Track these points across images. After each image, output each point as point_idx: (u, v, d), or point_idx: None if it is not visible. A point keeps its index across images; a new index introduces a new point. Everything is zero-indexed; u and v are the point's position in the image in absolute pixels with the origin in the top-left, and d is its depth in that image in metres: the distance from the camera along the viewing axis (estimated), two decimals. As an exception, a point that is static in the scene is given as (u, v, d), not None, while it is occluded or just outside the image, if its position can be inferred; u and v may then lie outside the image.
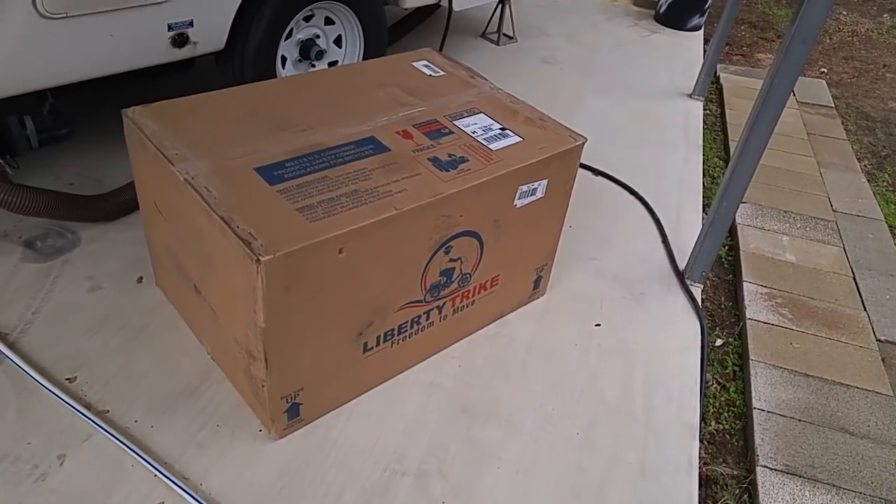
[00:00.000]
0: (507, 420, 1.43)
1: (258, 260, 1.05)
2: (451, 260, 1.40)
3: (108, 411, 1.34)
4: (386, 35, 2.33)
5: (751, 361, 1.79)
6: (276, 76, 2.05)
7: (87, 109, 2.19)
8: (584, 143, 1.52)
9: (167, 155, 1.26)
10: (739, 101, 3.23)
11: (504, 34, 3.28)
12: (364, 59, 2.30)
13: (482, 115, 1.54)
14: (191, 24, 1.76)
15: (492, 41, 3.28)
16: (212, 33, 1.83)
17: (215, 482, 1.22)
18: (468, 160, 1.37)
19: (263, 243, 1.08)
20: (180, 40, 1.77)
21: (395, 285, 1.32)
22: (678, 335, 1.75)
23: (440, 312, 1.48)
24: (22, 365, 1.38)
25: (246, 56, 1.94)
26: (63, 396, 1.33)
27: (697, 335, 1.76)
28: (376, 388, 1.46)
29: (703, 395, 1.65)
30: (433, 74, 1.69)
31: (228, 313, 1.27)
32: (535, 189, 1.48)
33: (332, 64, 2.27)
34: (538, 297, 1.78)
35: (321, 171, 1.28)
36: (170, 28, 1.73)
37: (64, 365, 1.42)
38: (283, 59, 2.10)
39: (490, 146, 1.43)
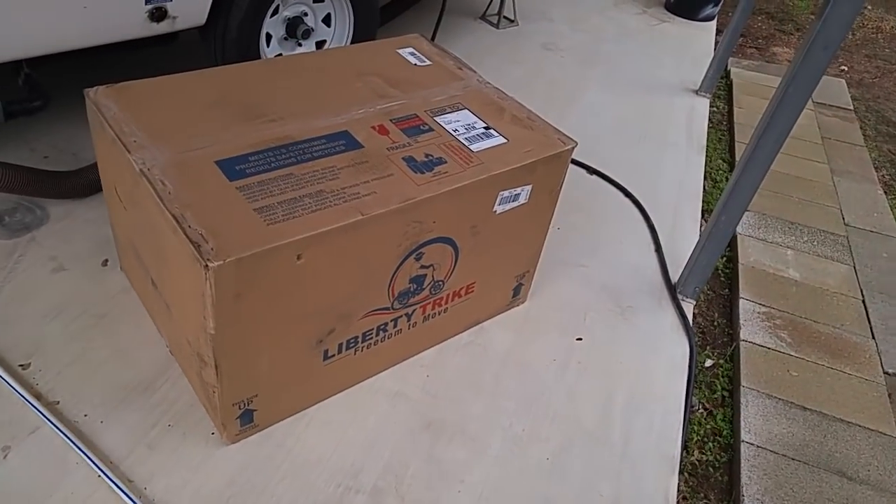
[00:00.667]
0: (473, 439, 1.38)
1: (206, 266, 0.99)
2: (423, 267, 1.34)
3: (58, 402, 1.29)
4: (378, 15, 2.23)
5: (742, 388, 1.71)
6: (259, 54, 1.97)
7: (65, 80, 2.11)
8: (573, 148, 1.44)
9: (125, 142, 1.19)
10: (750, 98, 3.12)
11: (505, 17, 3.17)
12: (354, 39, 2.20)
13: (466, 111, 1.46)
14: (170, -3, 1.67)
15: (492, 24, 3.17)
16: (192, 8, 1.75)
17: (160, 487, 1.18)
18: (446, 162, 1.30)
19: (214, 247, 1.02)
20: (158, 14, 1.68)
21: (359, 292, 1.26)
22: (665, 355, 1.68)
23: (409, 320, 1.42)
24: (-27, 349, 1.34)
25: (228, 33, 1.85)
26: (14, 384, 1.28)
27: (686, 356, 1.69)
28: (339, 394, 1.41)
29: (688, 421, 1.59)
30: (418, 64, 1.61)
31: (181, 313, 1.21)
32: (518, 195, 1.40)
33: (320, 44, 2.18)
34: (518, 305, 1.72)
35: (286, 167, 1.21)
36: (147, 1, 1.64)
37: (19, 350, 1.37)
38: (269, 37, 2.01)
39: (471, 147, 1.35)
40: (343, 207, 1.15)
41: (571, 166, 2.30)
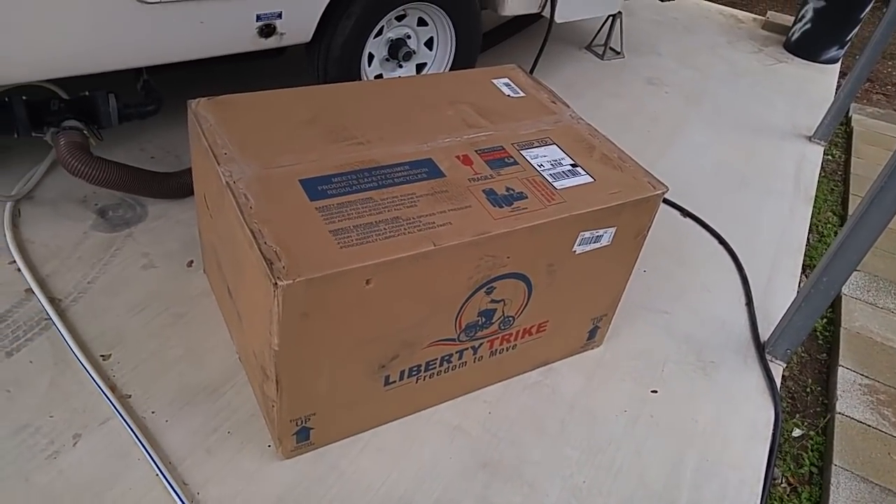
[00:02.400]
0: (530, 485, 1.31)
1: (276, 283, 1.00)
2: (493, 301, 1.30)
3: (130, 396, 1.34)
4: (479, 41, 2.23)
5: (834, 466, 1.54)
6: (360, 73, 2.01)
7: (179, 86, 2.25)
8: (663, 193, 1.36)
9: (216, 153, 1.23)
10: (871, 148, 2.87)
11: (611, 48, 3.09)
12: (454, 64, 2.21)
13: (554, 146, 1.42)
14: (279, 15, 1.74)
15: (597, 55, 3.10)
16: (299, 26, 1.81)
17: (213, 494, 1.19)
18: (526, 197, 1.26)
19: (286, 265, 1.02)
20: (267, 31, 1.76)
21: (425, 321, 1.24)
22: (746, 418, 1.55)
23: (475, 353, 1.38)
24: (65, 335, 1.42)
25: (331, 51, 1.91)
26: (93, 374, 1.35)
27: (770, 423, 1.55)
28: (397, 421, 1.38)
29: (767, 495, 1.44)
30: (512, 95, 1.58)
31: (251, 324, 1.23)
32: (600, 236, 1.34)
33: (421, 67, 2.21)
34: (592, 348, 1.64)
35: (367, 191, 1.21)
36: (258, 18, 1.72)
37: (102, 340, 1.45)
38: (370, 57, 2.06)
39: (555, 184, 1.30)
40: (416, 236, 1.13)
41: (664, 207, 2.20)
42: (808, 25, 3.30)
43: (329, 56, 1.91)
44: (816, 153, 2.64)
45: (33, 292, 1.51)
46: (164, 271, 1.63)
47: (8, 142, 1.90)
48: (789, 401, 1.78)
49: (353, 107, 1.43)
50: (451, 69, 2.22)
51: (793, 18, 3.64)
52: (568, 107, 1.58)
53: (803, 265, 2.09)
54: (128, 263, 1.64)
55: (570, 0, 2.30)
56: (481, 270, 1.22)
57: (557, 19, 2.30)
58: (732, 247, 2.06)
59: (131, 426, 1.27)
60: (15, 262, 1.57)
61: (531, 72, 2.39)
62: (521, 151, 1.38)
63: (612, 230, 1.35)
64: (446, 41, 2.17)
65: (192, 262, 1.66)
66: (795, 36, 3.42)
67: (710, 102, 2.92)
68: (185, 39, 1.66)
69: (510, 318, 1.37)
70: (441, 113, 1.46)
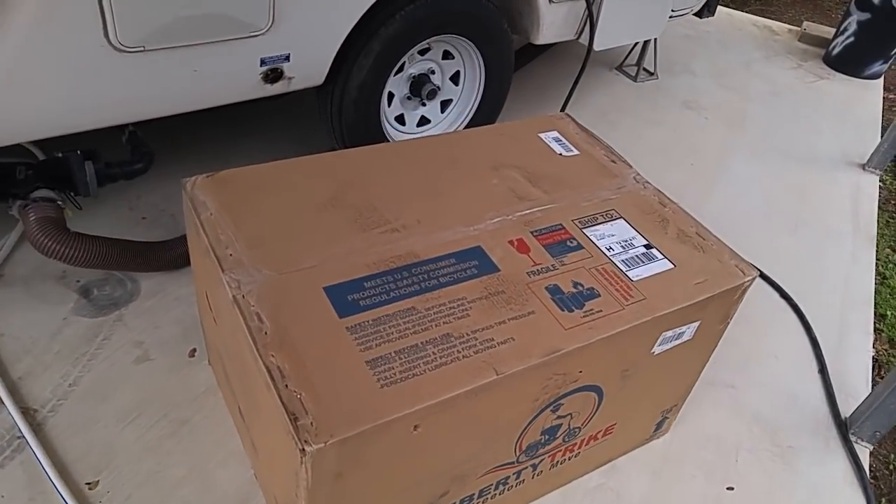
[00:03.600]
0: None
1: (303, 450, 0.78)
2: (559, 417, 1.08)
3: (124, 538, 1.12)
4: (510, 75, 2.01)
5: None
6: (378, 115, 1.78)
7: (172, 131, 2.02)
8: (754, 279, 1.14)
9: (219, 255, 1.00)
10: (922, 173, 2.65)
11: (644, 69, 2.86)
12: (483, 100, 1.98)
13: (622, 221, 1.19)
14: (287, 58, 1.51)
15: (629, 76, 2.87)
16: (310, 69, 1.58)
17: None
18: (599, 295, 1.03)
19: (315, 420, 0.80)
20: (273, 76, 1.53)
21: (482, 453, 1.01)
22: (838, 518, 1.34)
23: (534, 469, 1.16)
24: (41, 459, 1.19)
25: (347, 93, 1.68)
26: (77, 512, 1.13)
27: (864, 520, 1.34)
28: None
29: None
30: (564, 154, 1.35)
31: (270, 467, 1.01)
32: (682, 333, 1.12)
33: (446, 104, 1.98)
34: (658, 438, 1.42)
35: (408, 297, 0.98)
36: (262, 63, 1.49)
37: (88, 462, 1.22)
38: (390, 96, 1.83)
39: (630, 273, 1.08)
40: (473, 361, 0.90)
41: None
42: (852, 39, 3.07)
43: (344, 99, 1.68)
44: (872, 184, 2.42)
45: (3, 403, 1.28)
46: (161, 364, 1.40)
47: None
48: (871, 481, 1.56)
49: (381, 178, 1.20)
50: (479, 106, 2.00)
51: (829, 28, 3.41)
52: (630, 166, 1.35)
53: (874, 316, 1.88)
54: (117, 357, 1.41)
55: (610, 25, 2.07)
56: (549, 391, 0.99)
57: (597, 47, 2.07)
58: (796, 301, 1.84)
59: (124, 583, 1.05)
60: (-17, 362, 1.35)
61: (565, 105, 2.17)
62: (585, 230, 1.16)
63: (696, 324, 1.13)
64: (475, 75, 1.95)
65: (194, 350, 1.44)
66: (837, 50, 3.19)
67: (752, 128, 2.69)
68: (175, 91, 1.43)
69: (576, 430, 1.15)
70: (485, 182, 1.24)
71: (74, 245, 1.40)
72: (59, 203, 1.44)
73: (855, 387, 1.63)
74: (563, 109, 2.14)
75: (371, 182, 1.18)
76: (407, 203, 1.15)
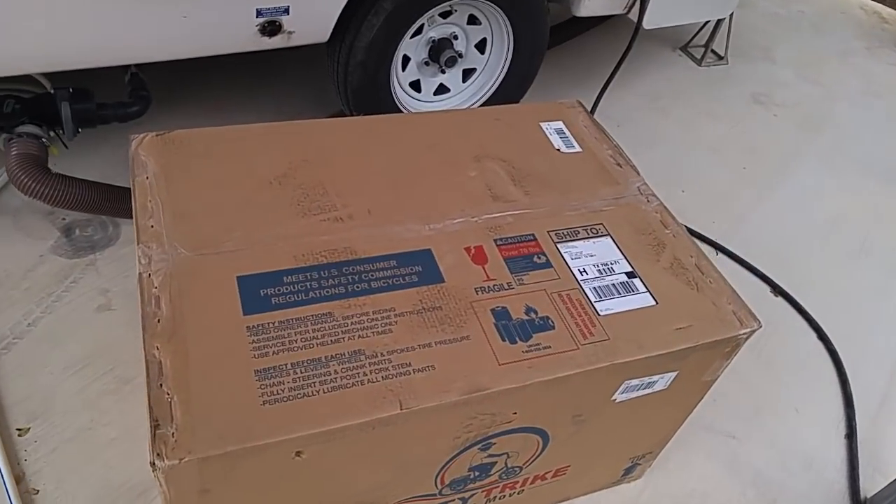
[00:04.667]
0: None
1: (153, 462, 0.70)
2: (491, 455, 0.96)
3: (37, 492, 1.10)
4: (544, 48, 1.81)
5: None
6: (389, 81, 1.65)
7: (182, 81, 1.95)
8: (753, 332, 0.96)
9: (139, 224, 0.92)
10: None
11: (713, 51, 2.55)
12: (510, 72, 1.81)
13: (608, 240, 1.03)
14: (285, 11, 1.39)
15: (693, 58, 2.57)
16: (312, 24, 1.46)
17: None
18: (553, 327, 0.89)
19: (177, 432, 0.71)
20: (271, 28, 1.41)
21: (392, 483, 0.91)
22: None
23: (465, 503, 1.05)
24: (-19, 398, 1.19)
25: (353, 54, 1.55)
26: (0, 460, 1.11)
27: None
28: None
29: None
30: (563, 150, 1.18)
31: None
32: (653, 383, 0.96)
33: (468, 73, 1.81)
34: (629, 482, 1.28)
35: (328, 300, 0.87)
36: (259, 14, 1.38)
37: (25, 408, 1.20)
38: (406, 60, 1.69)
39: (597, 305, 0.93)
40: (378, 388, 0.79)
41: (750, 279, 1.76)
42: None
43: (350, 60, 1.55)
44: (964, 216, 2.08)
45: (-38, 333, 1.28)
46: (120, 316, 1.37)
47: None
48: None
49: (343, 157, 1.08)
50: (505, 79, 1.82)
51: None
52: (637, 173, 1.17)
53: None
54: (81, 302, 1.38)
55: (667, 0, 1.82)
56: (473, 430, 0.87)
57: (647, 25, 1.83)
58: (836, 347, 1.60)
59: (25, 543, 1.03)
60: (-47, 289, 1.35)
61: (606, 86, 1.96)
62: (560, 245, 1.00)
63: (672, 375, 0.96)
64: (502, 44, 1.76)
65: (155, 307, 1.39)
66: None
67: (830, 132, 2.35)
68: (165, 36, 1.34)
69: (516, 469, 1.02)
70: (460, 174, 1.09)
71: (52, 185, 1.37)
72: (44, 140, 1.40)
73: (886, 462, 1.41)
74: (602, 92, 1.93)
75: (330, 160, 1.06)
76: (362, 189, 1.02)
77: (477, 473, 0.98)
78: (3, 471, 1.09)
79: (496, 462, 0.97)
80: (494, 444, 0.92)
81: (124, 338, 1.33)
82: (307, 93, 2.03)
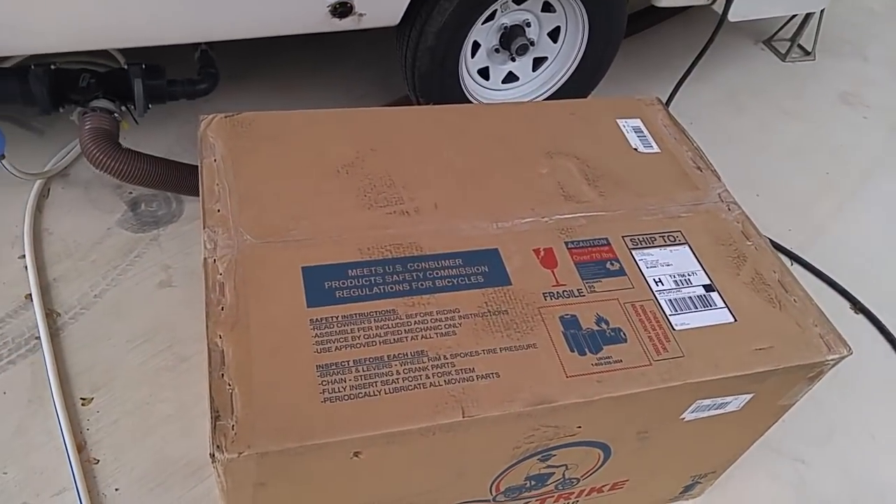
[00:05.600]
0: None
1: (213, 454, 0.69)
2: (550, 466, 0.92)
3: (97, 462, 1.12)
4: (620, 39, 1.73)
5: None
6: (457, 67, 1.60)
7: (251, 60, 1.94)
8: (841, 359, 0.89)
9: (206, 207, 0.91)
10: None
11: (799, 46, 2.40)
12: (582, 62, 1.73)
13: (686, 248, 0.97)
14: (358, -8, 1.37)
15: (777, 52, 2.42)
16: (383, 7, 1.43)
17: None
18: (625, 340, 0.84)
19: (237, 425, 0.70)
20: (342, 10, 1.39)
21: (447, 487, 0.89)
22: None
23: (518, 511, 1.02)
24: (49, 367, 1.22)
25: (423, 38, 1.51)
26: (64, 427, 1.14)
27: None
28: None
29: None
30: (640, 149, 1.12)
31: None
32: (726, 404, 0.90)
33: (539, 62, 1.75)
34: (687, 499, 1.22)
35: (392, 296, 0.84)
36: (330, -7, 1.36)
37: (89, 378, 1.23)
38: (476, 46, 1.64)
39: (673, 319, 0.87)
40: (440, 392, 0.76)
41: (829, 293, 1.65)
42: None
43: (420, 45, 1.52)
44: None
45: (32, 301, 1.32)
46: (180, 294, 1.38)
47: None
48: None
49: (411, 148, 1.05)
50: (577, 69, 1.75)
51: None
52: (718, 178, 1.09)
53: None
54: (144, 276, 1.40)
55: None
56: (535, 441, 0.83)
57: (732, 17, 1.73)
58: (919, 371, 1.49)
59: (84, 511, 1.05)
60: (25, 256, 1.39)
61: (682, 81, 1.86)
62: (634, 252, 0.95)
63: (747, 397, 0.90)
64: (577, 33, 1.69)
65: (215, 285, 1.40)
66: None
67: (927, 138, 2.19)
68: (236, 16, 1.33)
69: (573, 480, 0.98)
70: (531, 170, 1.05)
71: (122, 160, 1.39)
72: (116, 115, 1.42)
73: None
74: (678, 85, 1.83)
75: (398, 150, 1.03)
76: (429, 182, 0.99)
77: (533, 483, 0.95)
78: (66, 439, 1.12)
79: (554, 473, 0.94)
80: (555, 455, 0.88)
81: (183, 315, 1.35)
82: (373, 75, 2.01)
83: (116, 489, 1.10)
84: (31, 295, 1.32)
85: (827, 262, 1.66)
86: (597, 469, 0.96)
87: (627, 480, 1.05)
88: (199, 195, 1.58)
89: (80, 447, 1.13)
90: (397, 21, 1.48)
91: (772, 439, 1.25)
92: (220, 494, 0.75)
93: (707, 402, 0.88)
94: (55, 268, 1.39)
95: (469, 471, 0.86)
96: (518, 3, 1.60)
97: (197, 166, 1.54)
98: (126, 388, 1.22)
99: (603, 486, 1.04)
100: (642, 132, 1.15)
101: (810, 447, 1.33)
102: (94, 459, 1.13)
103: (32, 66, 1.33)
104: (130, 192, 1.56)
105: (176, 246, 1.47)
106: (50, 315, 1.30)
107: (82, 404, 1.19)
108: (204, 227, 0.88)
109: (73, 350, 1.26)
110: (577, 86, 1.79)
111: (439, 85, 1.60)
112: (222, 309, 0.80)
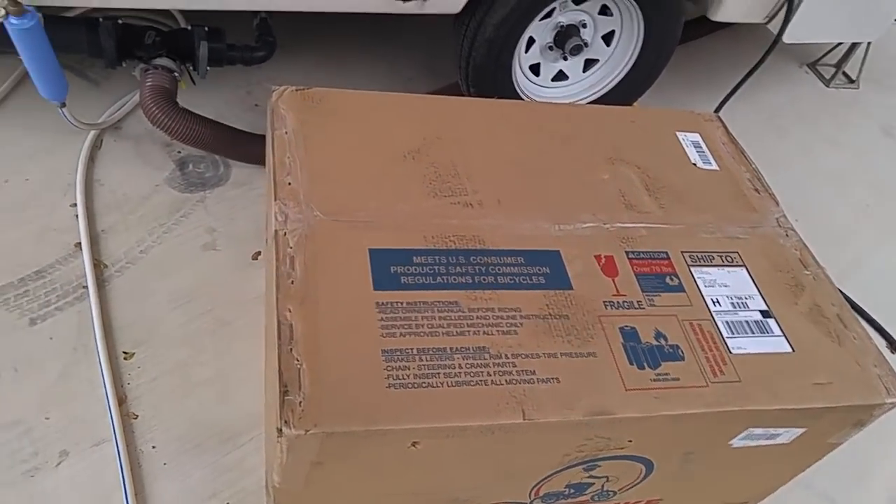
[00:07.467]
0: None
1: (280, 429, 0.70)
2: (592, 476, 0.93)
3: (136, 417, 1.14)
4: (673, 48, 1.71)
5: None
6: (511, 61, 1.59)
7: (308, 32, 1.93)
8: (896, 402, 0.89)
9: (277, 179, 0.91)
10: None
11: (844, 73, 2.36)
12: (633, 69, 1.72)
13: (743, 271, 0.97)
14: (426, -25, 1.36)
15: (821, 77, 2.39)
16: (449, -7, 1.42)
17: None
18: (682, 358, 0.84)
19: (305, 402, 0.71)
20: (408, -9, 1.38)
21: (489, 486, 0.89)
22: None
23: (549, 514, 1.04)
24: (95, 316, 1.23)
25: (482, 30, 1.50)
26: (106, 379, 1.16)
27: None
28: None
29: None
30: (699, 165, 1.11)
31: (267, 415, 0.96)
32: (777, 435, 0.91)
33: (590, 63, 1.73)
34: (707, 517, 1.23)
35: (455, 288, 0.85)
36: (397, -23, 1.35)
37: (132, 333, 1.24)
38: (530, 42, 1.62)
39: (730, 342, 0.88)
40: (501, 392, 0.77)
41: (867, 330, 1.65)
42: None
43: (478, 36, 1.50)
44: None
45: (81, 250, 1.33)
46: (224, 257, 1.39)
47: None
48: None
49: (477, 139, 1.04)
50: (627, 75, 1.74)
51: None
52: (776, 202, 1.09)
53: None
54: (189, 237, 1.41)
55: (813, 15, 1.67)
56: (585, 450, 0.84)
57: (787, 39, 1.70)
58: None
59: (122, 464, 1.07)
60: (76, 205, 1.40)
61: (728, 97, 1.84)
62: (693, 269, 0.95)
63: (799, 431, 0.91)
64: (631, 38, 1.68)
65: (258, 254, 1.41)
66: None
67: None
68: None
69: (611, 493, 0.99)
70: (593, 174, 1.05)
71: (178, 119, 1.39)
72: (176, 75, 1.42)
73: None
74: (724, 102, 1.81)
75: (463, 141, 1.03)
76: (492, 176, 0.99)
77: (572, 491, 0.95)
78: (108, 391, 1.14)
79: (594, 483, 0.95)
80: (600, 466, 0.89)
81: (225, 279, 1.36)
82: (420, 59, 2.00)
83: (154, 447, 1.11)
84: (80, 244, 1.33)
85: (864, 297, 1.65)
86: (636, 484, 0.97)
87: (661, 500, 1.06)
88: (249, 162, 1.60)
89: (121, 400, 1.15)
90: (459, 9, 1.46)
91: (804, 475, 1.26)
92: (275, 467, 0.76)
93: (759, 431, 0.88)
94: (104, 219, 1.40)
95: (516, 472, 0.87)
96: (577, 4, 1.59)
97: (251, 134, 1.57)
98: (167, 346, 1.24)
99: (636, 502, 1.05)
100: (701, 148, 1.15)
101: (842, 487, 1.33)
102: (134, 415, 1.14)
103: (101, 20, 1.33)
104: (179, 152, 1.57)
105: (222, 210, 1.47)
106: (97, 266, 1.32)
107: (125, 358, 1.21)
108: (275, 199, 0.89)
109: (117, 303, 1.28)
110: (625, 91, 1.77)
111: (492, 77, 1.60)
112: (292, 283, 0.81)
